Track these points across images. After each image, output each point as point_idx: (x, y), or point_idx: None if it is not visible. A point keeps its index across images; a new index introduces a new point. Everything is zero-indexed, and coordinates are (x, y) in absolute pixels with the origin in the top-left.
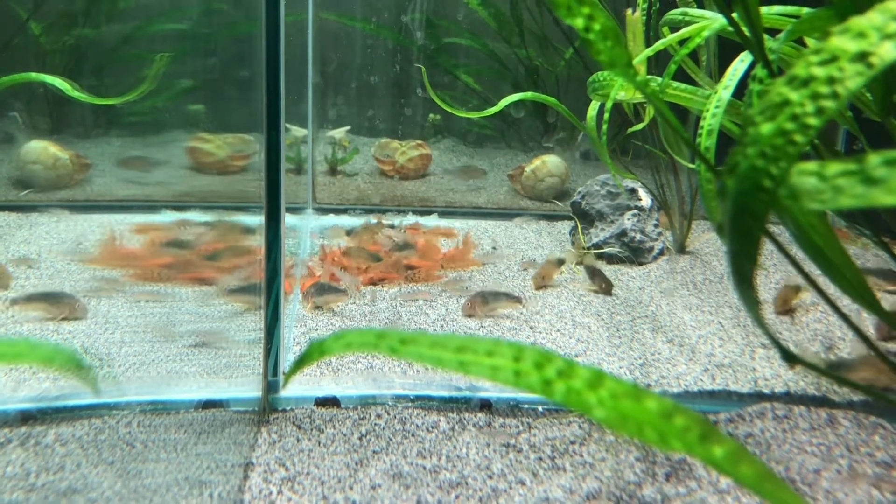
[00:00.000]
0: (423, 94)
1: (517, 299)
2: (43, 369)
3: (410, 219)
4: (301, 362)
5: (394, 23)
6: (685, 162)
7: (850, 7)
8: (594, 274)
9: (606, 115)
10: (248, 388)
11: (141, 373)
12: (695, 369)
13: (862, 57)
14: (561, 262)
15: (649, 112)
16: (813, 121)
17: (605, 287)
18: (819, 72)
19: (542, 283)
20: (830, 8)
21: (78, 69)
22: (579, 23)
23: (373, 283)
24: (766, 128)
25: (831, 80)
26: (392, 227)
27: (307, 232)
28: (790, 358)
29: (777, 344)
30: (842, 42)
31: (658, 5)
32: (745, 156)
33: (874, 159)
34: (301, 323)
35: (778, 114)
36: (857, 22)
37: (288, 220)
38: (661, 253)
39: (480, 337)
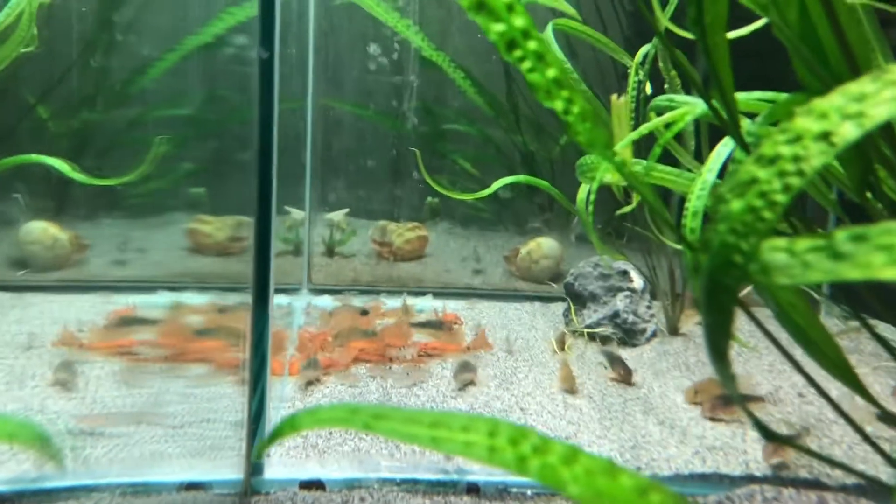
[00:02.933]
0: (421, 178)
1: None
2: (8, 445)
3: (391, 301)
4: (273, 437)
5: (391, 109)
6: (671, 243)
7: (820, 92)
8: (614, 361)
9: (592, 197)
10: (231, 470)
11: (123, 453)
12: (685, 452)
13: (825, 136)
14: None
15: (636, 196)
16: (780, 197)
17: (625, 375)
18: (785, 150)
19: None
20: (804, 93)
21: (82, 152)
22: (559, 105)
23: (359, 361)
24: (735, 204)
25: (797, 159)
26: (364, 312)
27: (301, 311)
28: (770, 436)
29: (757, 423)
30: (805, 122)
31: (650, 91)
32: (717, 232)
33: (841, 235)
34: (290, 403)
35: (747, 191)
36: (819, 104)
37: (282, 299)
38: (654, 335)
39: (457, 412)
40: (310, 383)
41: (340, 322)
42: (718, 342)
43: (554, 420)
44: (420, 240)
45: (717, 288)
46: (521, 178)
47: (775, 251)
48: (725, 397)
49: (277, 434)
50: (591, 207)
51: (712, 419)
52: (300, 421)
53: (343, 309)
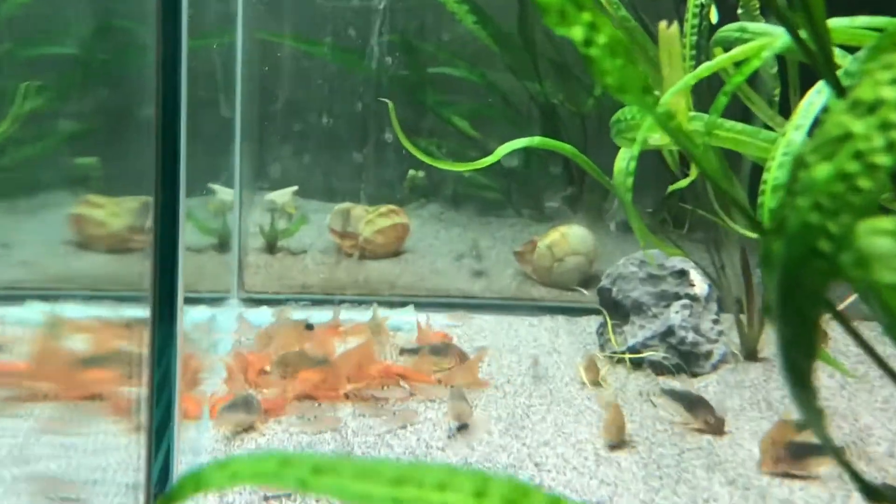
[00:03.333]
0: (398, 142)
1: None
2: None
3: (356, 315)
4: (169, 499)
5: (355, 45)
6: (746, 230)
7: None
8: (695, 405)
9: (633, 167)
10: None
11: None
12: None
13: None
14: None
15: (693, 165)
16: (883, 159)
17: (715, 424)
18: (890, 94)
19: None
20: None
21: None
22: (577, 34)
23: (306, 398)
24: (821, 170)
25: None
26: (309, 327)
27: (228, 331)
28: (874, 494)
29: (855, 475)
30: None
31: (716, 18)
32: (796, 209)
33: None
34: (210, 458)
35: (837, 151)
36: None
37: (201, 314)
38: (724, 359)
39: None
40: (241, 431)
41: (284, 344)
42: (797, 363)
43: (581, 479)
44: (397, 229)
45: (794, 286)
46: (536, 140)
47: (877, 235)
48: (804, 446)
49: (175, 496)
50: (631, 181)
51: (787, 475)
52: (208, 476)
53: (287, 326)
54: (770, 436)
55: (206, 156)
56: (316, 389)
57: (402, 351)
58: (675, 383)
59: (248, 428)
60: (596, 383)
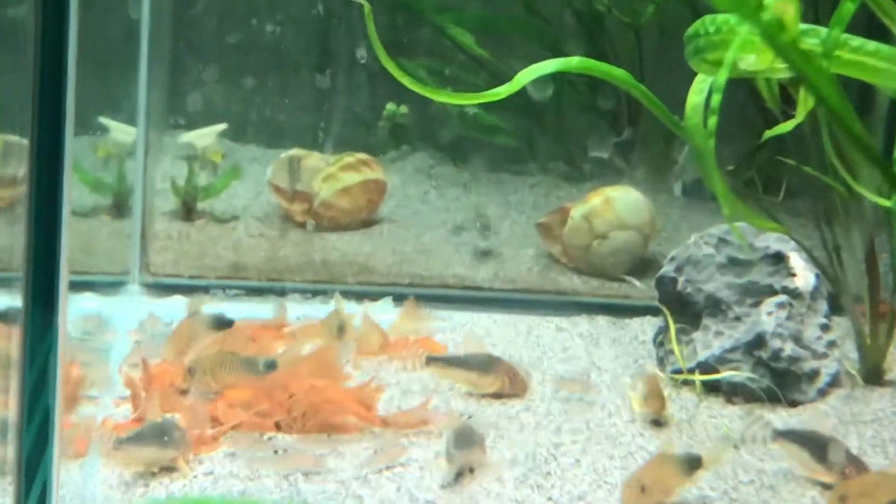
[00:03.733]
0: (370, 61)
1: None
2: None
3: (309, 309)
4: None
5: None
6: (875, 197)
7: None
8: (827, 450)
9: (715, 100)
10: None
11: None
12: None
13: None
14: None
15: (803, 101)
16: None
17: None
18: None
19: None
20: None
21: None
22: None
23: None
24: None
25: None
26: (223, 323)
27: (126, 330)
28: None
29: None
30: None
31: None
32: None
33: None
34: None
35: None
36: None
37: (88, 304)
38: (835, 382)
39: None
40: (148, 474)
41: (203, 348)
42: None
43: None
44: (369, 188)
45: None
46: (578, 63)
47: None
48: None
49: None
50: (713, 122)
51: None
52: None
53: (201, 321)
54: None
55: (98, 77)
56: (251, 414)
57: (429, 360)
58: (768, 413)
59: (163, 468)
60: (654, 412)
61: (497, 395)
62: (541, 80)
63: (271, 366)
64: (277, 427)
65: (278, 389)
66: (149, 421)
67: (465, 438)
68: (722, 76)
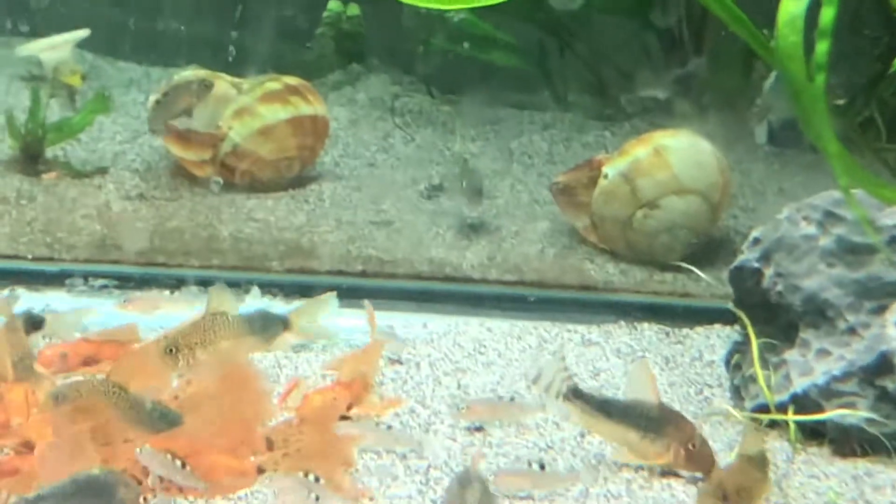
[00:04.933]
0: None
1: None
2: None
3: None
4: None
5: None
6: None
7: None
8: None
9: (828, 17)
10: None
11: None
12: None
13: None
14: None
15: None
16: None
17: None
18: None
19: None
20: None
21: None
22: None
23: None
24: None
25: None
26: (34, 323)
27: None
28: None
29: None
30: None
31: None
32: None
33: None
34: None
35: None
36: None
37: None
38: None
39: None
40: None
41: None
42: None
43: None
44: (301, 127)
45: None
46: None
47: None
48: None
49: None
50: (823, 49)
51: None
52: None
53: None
54: None
55: None
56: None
57: (572, 394)
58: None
59: None
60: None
61: (667, 472)
62: None
63: (172, 421)
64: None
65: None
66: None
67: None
68: None
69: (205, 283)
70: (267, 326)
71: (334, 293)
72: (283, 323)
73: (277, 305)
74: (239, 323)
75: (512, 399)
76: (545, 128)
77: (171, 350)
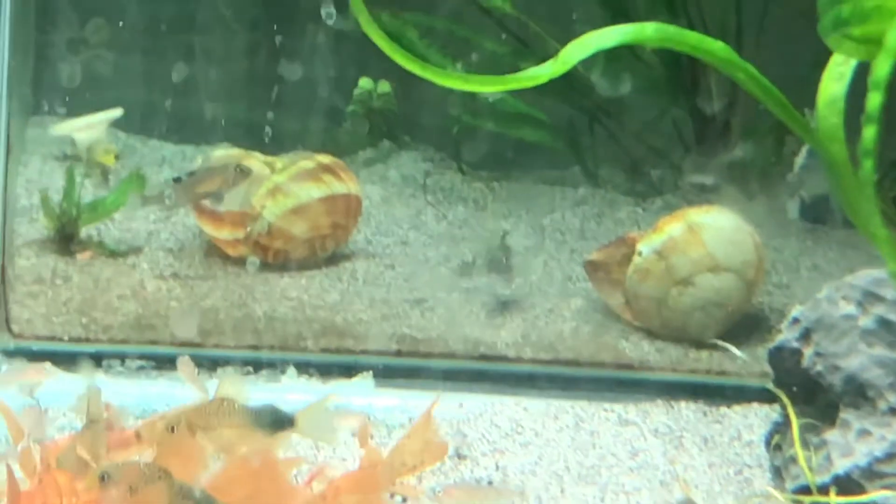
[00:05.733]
0: (341, 22)
1: None
2: None
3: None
4: None
5: None
6: None
7: None
8: None
9: (874, 103)
10: None
11: None
12: None
13: None
14: None
15: None
16: None
17: None
18: None
19: None
20: None
21: None
22: None
23: None
24: None
25: None
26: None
27: None
28: None
29: None
30: None
31: None
32: None
33: None
34: None
35: None
36: None
37: None
38: None
39: None
40: None
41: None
42: None
43: None
44: (334, 206)
45: None
46: (655, 32)
47: None
48: None
49: None
50: (871, 134)
51: None
52: None
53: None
54: None
55: None
56: None
57: None
58: None
59: None
60: None
61: None
62: (598, 63)
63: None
64: None
65: None
66: None
67: None
68: (884, 64)
69: (239, 363)
70: (273, 422)
71: (369, 374)
72: (289, 421)
73: (315, 386)
74: (244, 413)
75: (490, 483)
76: (577, 204)
77: (170, 431)
